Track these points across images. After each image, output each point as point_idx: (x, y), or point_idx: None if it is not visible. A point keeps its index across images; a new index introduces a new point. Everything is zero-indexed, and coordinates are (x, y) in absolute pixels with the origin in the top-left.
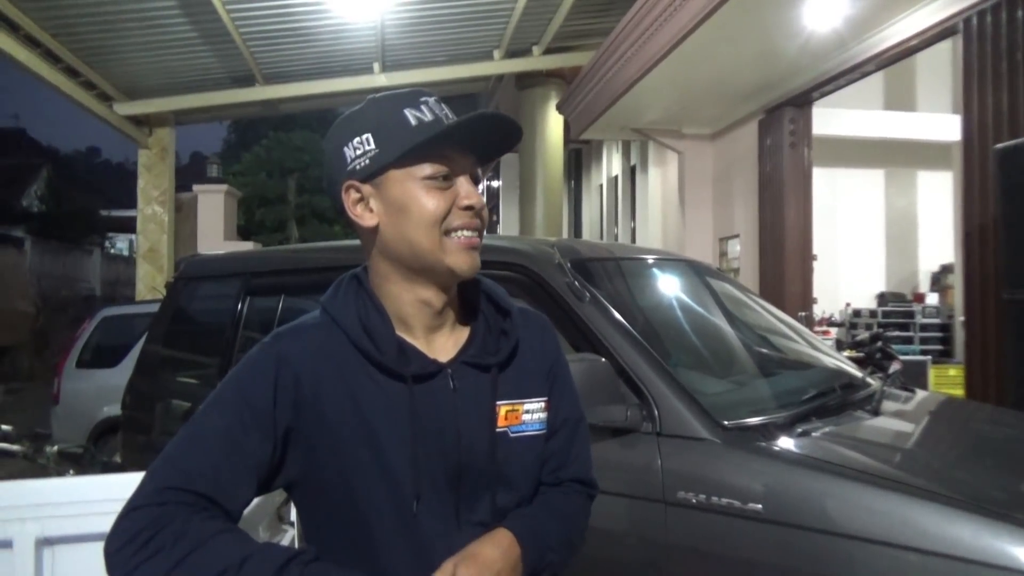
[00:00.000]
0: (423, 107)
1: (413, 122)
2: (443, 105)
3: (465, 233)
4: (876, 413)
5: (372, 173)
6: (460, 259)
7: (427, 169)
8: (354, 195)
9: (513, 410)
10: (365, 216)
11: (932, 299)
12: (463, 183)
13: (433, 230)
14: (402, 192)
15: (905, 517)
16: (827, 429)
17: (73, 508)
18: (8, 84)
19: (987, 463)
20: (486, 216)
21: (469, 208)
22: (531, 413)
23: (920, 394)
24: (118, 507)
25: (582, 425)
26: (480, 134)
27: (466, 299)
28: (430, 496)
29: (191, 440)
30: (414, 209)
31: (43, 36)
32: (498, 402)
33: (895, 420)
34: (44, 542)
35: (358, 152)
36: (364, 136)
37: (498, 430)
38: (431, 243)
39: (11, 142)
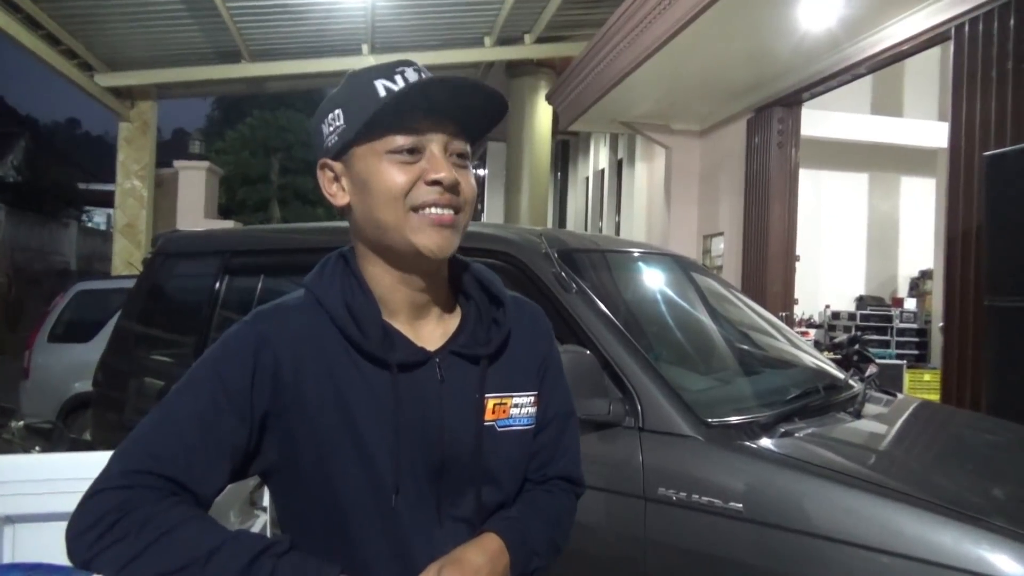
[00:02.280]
0: (398, 77)
1: (382, 93)
2: (423, 75)
3: (434, 210)
4: (858, 416)
5: (340, 149)
6: (426, 237)
7: (392, 142)
8: (328, 173)
9: (501, 404)
10: (338, 195)
11: (910, 304)
12: (433, 156)
13: (395, 206)
14: (365, 167)
15: (886, 521)
16: (810, 430)
17: (37, 486)
18: None
19: (967, 468)
20: (467, 193)
21: (437, 183)
22: (520, 407)
23: (901, 398)
24: (84, 486)
25: (572, 421)
26: (444, 101)
27: (457, 285)
28: (410, 490)
29: (162, 421)
30: (375, 185)
31: (24, 2)
32: (486, 395)
33: (877, 423)
34: (5, 520)
35: (330, 129)
36: (336, 112)
37: (484, 424)
38: (395, 220)
39: None
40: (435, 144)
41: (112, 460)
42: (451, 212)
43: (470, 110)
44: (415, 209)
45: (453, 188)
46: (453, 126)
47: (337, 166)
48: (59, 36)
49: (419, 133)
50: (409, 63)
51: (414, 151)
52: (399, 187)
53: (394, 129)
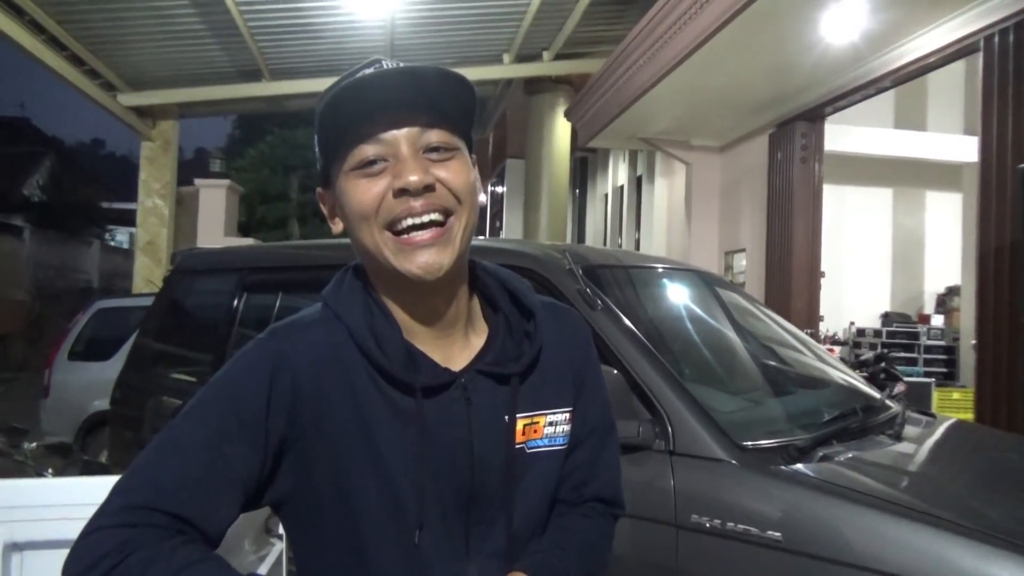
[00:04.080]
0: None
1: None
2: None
3: (409, 221)
4: (899, 438)
5: (324, 175)
6: (407, 261)
7: (355, 155)
8: (326, 202)
9: (532, 423)
10: (336, 222)
11: (937, 321)
12: (398, 160)
13: (368, 227)
14: (340, 190)
15: (938, 553)
16: (850, 455)
17: (46, 512)
18: (13, 73)
19: (1017, 495)
20: (457, 186)
21: (404, 191)
22: (554, 426)
23: (940, 419)
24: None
25: (611, 436)
26: (389, 95)
27: (485, 295)
28: (436, 525)
29: (168, 449)
30: (347, 207)
31: (48, 22)
32: (516, 415)
33: (919, 446)
34: (13, 547)
35: (317, 155)
36: (316, 136)
37: (515, 446)
38: (372, 243)
39: (15, 131)
40: (404, 144)
41: (113, 493)
42: (434, 222)
43: (432, 96)
44: (390, 227)
45: (427, 190)
46: (425, 117)
47: (328, 193)
48: (82, 56)
49: (379, 138)
50: (374, 62)
51: (379, 160)
52: (366, 206)
53: (355, 140)
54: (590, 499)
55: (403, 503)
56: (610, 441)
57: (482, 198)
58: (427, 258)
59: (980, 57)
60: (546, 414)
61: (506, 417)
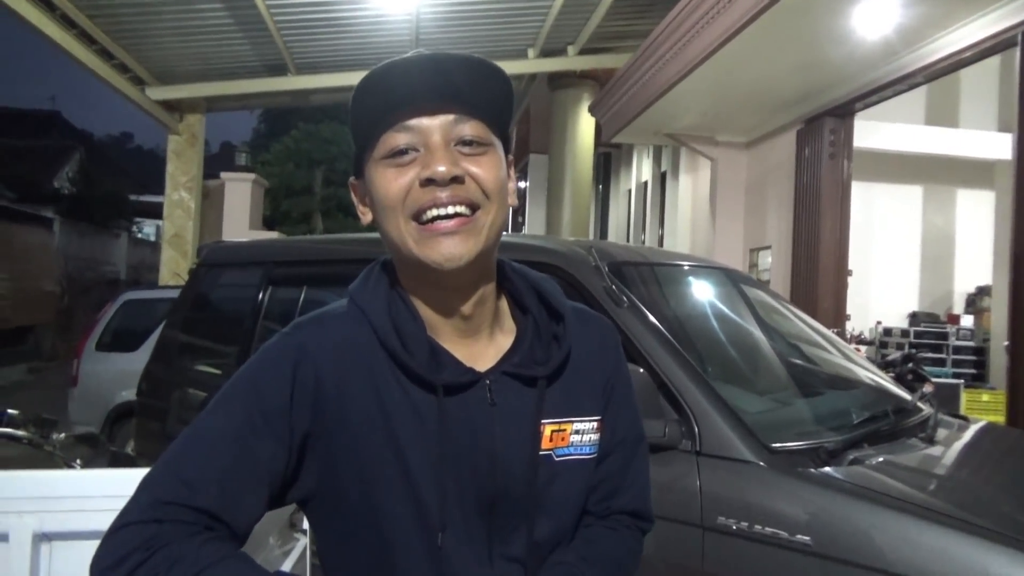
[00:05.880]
0: None
1: None
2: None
3: (435, 211)
4: (931, 441)
5: (357, 165)
6: (429, 248)
7: (385, 145)
8: (357, 192)
9: (560, 430)
10: (365, 213)
11: (967, 321)
12: (428, 150)
13: (394, 217)
14: (370, 179)
15: (970, 560)
16: (881, 458)
17: (74, 503)
18: (45, 67)
19: None
20: (487, 182)
21: (430, 181)
22: (581, 434)
23: (973, 422)
24: (123, 503)
25: (641, 447)
26: (422, 84)
27: (514, 296)
28: (458, 526)
29: (194, 444)
30: (375, 197)
31: (79, 16)
32: (543, 420)
33: (952, 450)
34: (42, 537)
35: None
36: (350, 125)
37: (541, 453)
38: (397, 233)
39: (46, 124)
40: (436, 134)
41: (140, 488)
42: (459, 215)
43: (458, 86)
44: (416, 217)
45: (455, 181)
46: (458, 108)
47: (360, 183)
48: (112, 51)
49: (410, 127)
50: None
51: (409, 150)
52: (393, 195)
53: (385, 129)
54: (618, 512)
55: (425, 503)
56: (640, 453)
57: (514, 200)
58: (449, 247)
59: (1017, 52)
60: (574, 421)
61: (531, 421)
